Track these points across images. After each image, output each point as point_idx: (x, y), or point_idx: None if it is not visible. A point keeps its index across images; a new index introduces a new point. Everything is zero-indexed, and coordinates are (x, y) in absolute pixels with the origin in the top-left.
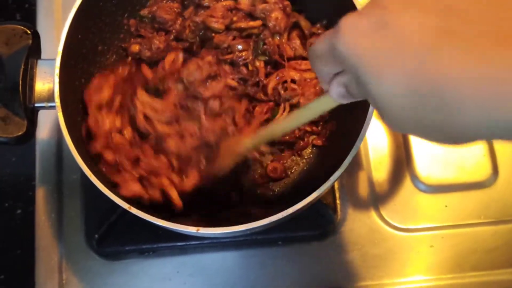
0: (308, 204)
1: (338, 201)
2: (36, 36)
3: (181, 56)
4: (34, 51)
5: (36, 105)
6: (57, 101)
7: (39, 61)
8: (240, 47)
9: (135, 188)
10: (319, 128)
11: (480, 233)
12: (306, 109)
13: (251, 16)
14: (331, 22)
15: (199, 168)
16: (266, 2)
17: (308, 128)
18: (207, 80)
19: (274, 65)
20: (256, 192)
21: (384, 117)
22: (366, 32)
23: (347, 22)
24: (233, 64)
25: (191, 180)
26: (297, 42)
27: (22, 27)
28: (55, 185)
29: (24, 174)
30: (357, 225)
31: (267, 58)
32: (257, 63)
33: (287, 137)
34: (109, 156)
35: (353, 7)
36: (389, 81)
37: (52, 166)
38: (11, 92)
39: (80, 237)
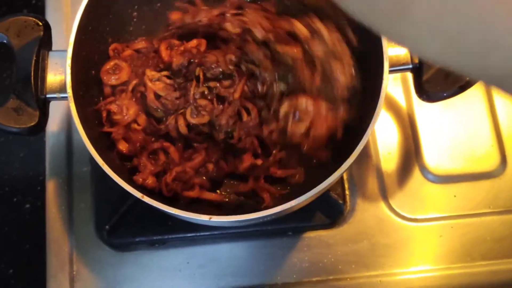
0: (317, 193)
1: (347, 192)
2: (47, 28)
3: (204, 43)
4: (46, 42)
5: (48, 96)
6: (69, 92)
7: (50, 53)
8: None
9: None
10: None
11: (489, 223)
12: None
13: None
14: None
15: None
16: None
17: None
18: (221, 75)
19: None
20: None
21: None
22: None
23: None
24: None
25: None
26: None
27: (33, 19)
28: (65, 178)
29: (32, 169)
30: (366, 215)
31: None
32: (274, 88)
33: None
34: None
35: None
36: None
37: (62, 159)
38: (23, 83)
39: (91, 228)
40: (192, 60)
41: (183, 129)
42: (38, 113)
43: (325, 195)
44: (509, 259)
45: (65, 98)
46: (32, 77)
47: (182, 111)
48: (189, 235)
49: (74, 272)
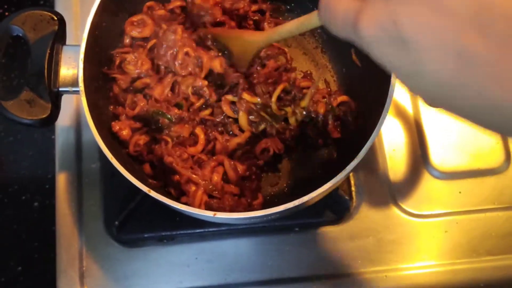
0: (323, 192)
1: (353, 188)
2: (62, 23)
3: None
4: (60, 37)
5: (61, 89)
6: (81, 86)
7: (64, 47)
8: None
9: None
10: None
11: (494, 219)
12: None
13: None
14: None
15: None
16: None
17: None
18: None
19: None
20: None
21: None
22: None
23: None
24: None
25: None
26: None
27: (49, 13)
28: (75, 174)
29: (41, 168)
30: (372, 211)
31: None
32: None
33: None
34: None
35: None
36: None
37: (72, 155)
38: (37, 76)
39: (100, 224)
40: None
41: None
42: (51, 106)
43: (331, 192)
44: None
45: (77, 92)
46: (46, 70)
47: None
48: (197, 231)
49: (84, 268)
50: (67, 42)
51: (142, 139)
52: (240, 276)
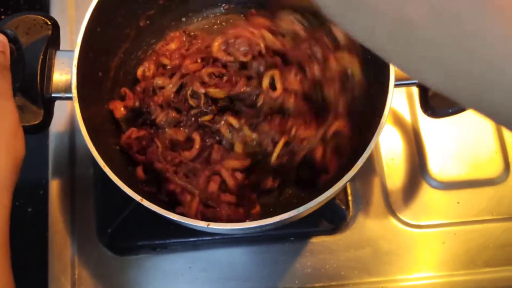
0: (320, 203)
1: (350, 198)
2: (55, 27)
3: None
4: (53, 41)
5: (53, 95)
6: (74, 92)
7: (58, 52)
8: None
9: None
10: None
11: (492, 230)
12: None
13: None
14: None
15: None
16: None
17: None
18: None
19: None
20: None
21: None
22: None
23: None
24: None
25: None
26: None
27: (42, 18)
28: (68, 180)
29: (34, 174)
30: (369, 221)
31: None
32: None
33: None
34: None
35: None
36: None
37: (65, 161)
38: (29, 81)
39: (93, 232)
40: None
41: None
42: (43, 112)
43: (328, 201)
44: None
45: (70, 98)
46: (39, 76)
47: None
48: (191, 239)
49: (76, 276)
50: (63, 47)
51: (134, 131)
52: (235, 285)
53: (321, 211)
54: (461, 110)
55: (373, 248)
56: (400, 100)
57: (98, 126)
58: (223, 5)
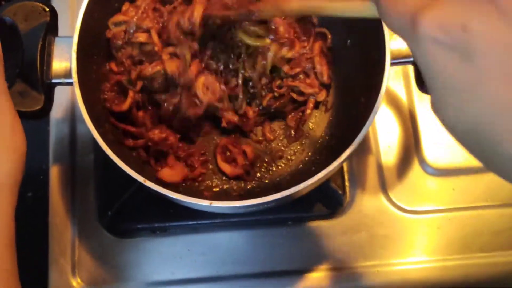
0: (317, 181)
1: (347, 183)
2: (54, 14)
3: None
4: (52, 28)
5: (53, 81)
6: (74, 77)
7: (57, 38)
8: None
9: None
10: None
11: (487, 216)
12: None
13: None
14: None
15: None
16: None
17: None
18: None
19: None
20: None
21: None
22: None
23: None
24: None
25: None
26: None
27: (40, 4)
28: (69, 165)
29: (35, 159)
30: (366, 206)
31: None
32: None
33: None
34: None
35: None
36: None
37: (66, 146)
38: (29, 68)
39: (93, 215)
40: None
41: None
42: (43, 97)
43: (325, 186)
44: (507, 251)
45: (70, 83)
46: (38, 62)
47: None
48: (190, 223)
49: (76, 258)
50: (64, 33)
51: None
52: (233, 268)
53: (319, 195)
54: None
55: (369, 232)
56: (398, 86)
57: (99, 109)
58: None
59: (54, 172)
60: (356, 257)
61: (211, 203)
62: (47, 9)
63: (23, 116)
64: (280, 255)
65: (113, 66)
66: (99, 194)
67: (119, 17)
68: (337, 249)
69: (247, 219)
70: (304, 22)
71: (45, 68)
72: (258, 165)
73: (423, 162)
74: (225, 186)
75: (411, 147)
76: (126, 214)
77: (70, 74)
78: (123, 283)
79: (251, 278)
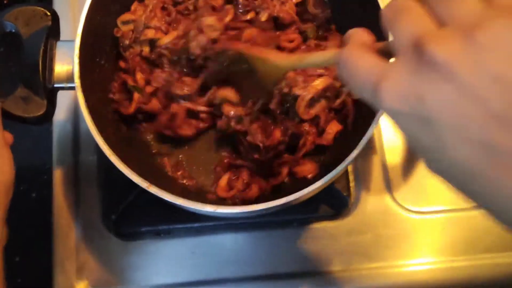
0: (322, 186)
1: (351, 184)
2: (55, 18)
3: None
4: (54, 32)
5: (56, 85)
6: (77, 81)
7: (58, 42)
8: None
9: None
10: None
11: None
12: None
13: None
14: None
15: None
16: None
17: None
18: None
19: None
20: None
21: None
22: None
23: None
24: None
25: None
26: None
27: (42, 9)
28: (72, 167)
29: (38, 159)
30: (371, 207)
31: None
32: None
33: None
34: None
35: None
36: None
37: (69, 147)
38: (31, 73)
39: (97, 217)
40: None
41: None
42: (46, 103)
43: (329, 187)
44: None
45: (73, 87)
46: (40, 66)
47: None
48: (194, 225)
49: (80, 260)
50: (66, 37)
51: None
52: (237, 270)
53: (323, 197)
54: None
55: (374, 233)
56: None
57: (102, 112)
58: None
59: (58, 174)
60: (361, 258)
61: (215, 209)
62: (49, 13)
63: (26, 121)
64: (285, 256)
65: (122, 64)
66: (103, 196)
67: (127, 16)
68: (342, 251)
69: (251, 221)
70: None
71: (47, 72)
72: None
73: None
74: None
75: None
76: (131, 216)
77: (72, 78)
78: (128, 286)
79: (256, 280)
